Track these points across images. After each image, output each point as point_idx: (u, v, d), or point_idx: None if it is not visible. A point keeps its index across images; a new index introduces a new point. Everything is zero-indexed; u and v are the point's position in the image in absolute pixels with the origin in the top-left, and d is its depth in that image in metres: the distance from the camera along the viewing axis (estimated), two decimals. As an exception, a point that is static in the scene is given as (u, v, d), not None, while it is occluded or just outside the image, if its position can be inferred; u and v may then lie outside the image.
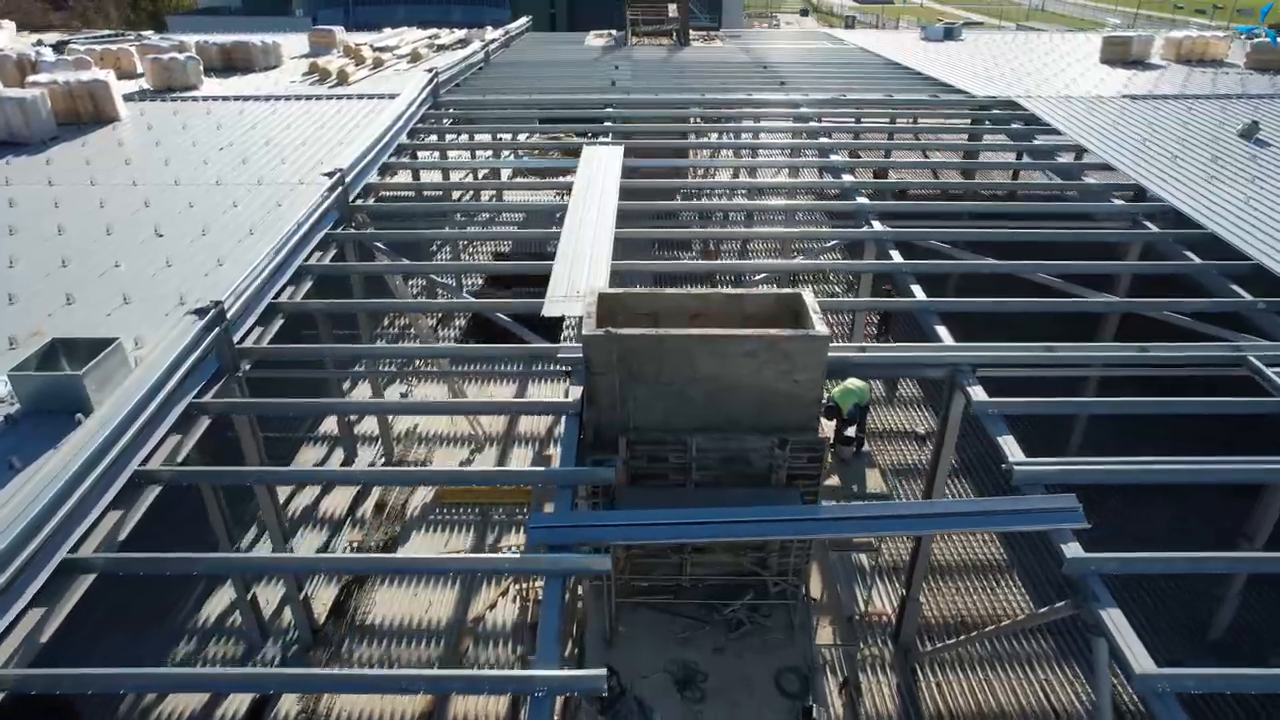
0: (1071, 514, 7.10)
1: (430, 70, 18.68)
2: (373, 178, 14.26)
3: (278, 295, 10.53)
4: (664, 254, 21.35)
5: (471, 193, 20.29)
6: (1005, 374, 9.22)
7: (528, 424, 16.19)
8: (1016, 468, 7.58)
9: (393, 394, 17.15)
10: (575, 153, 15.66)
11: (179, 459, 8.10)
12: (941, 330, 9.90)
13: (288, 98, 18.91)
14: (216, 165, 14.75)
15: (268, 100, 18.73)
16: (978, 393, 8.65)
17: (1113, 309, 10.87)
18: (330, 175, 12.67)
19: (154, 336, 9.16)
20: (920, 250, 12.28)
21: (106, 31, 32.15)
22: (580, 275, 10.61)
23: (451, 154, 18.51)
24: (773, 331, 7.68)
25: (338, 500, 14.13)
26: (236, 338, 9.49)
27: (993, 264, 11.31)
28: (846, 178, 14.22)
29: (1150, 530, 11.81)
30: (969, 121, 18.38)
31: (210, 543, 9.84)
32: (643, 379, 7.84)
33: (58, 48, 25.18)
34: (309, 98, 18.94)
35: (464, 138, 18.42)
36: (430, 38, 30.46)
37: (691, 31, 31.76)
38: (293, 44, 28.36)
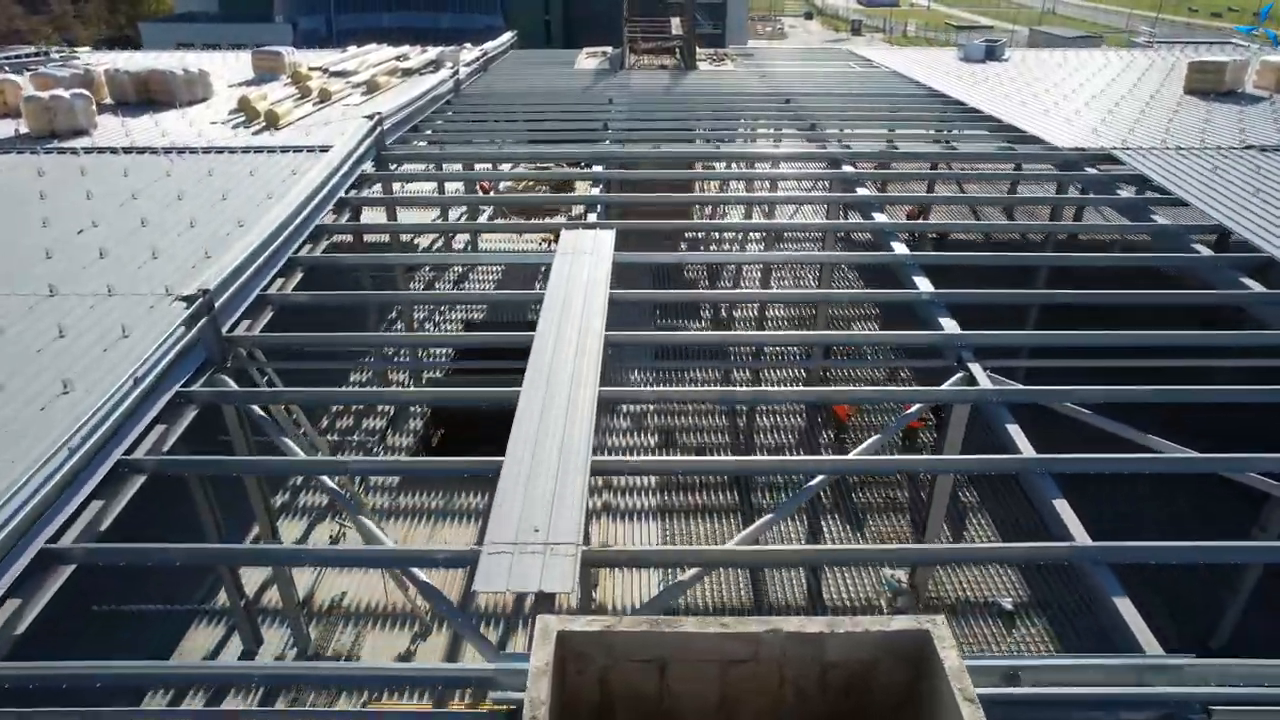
0: None
1: (373, 116, 14.77)
2: (269, 285, 10.38)
3: (66, 528, 6.68)
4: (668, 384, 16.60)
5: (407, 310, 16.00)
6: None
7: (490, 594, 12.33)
8: None
9: (321, 537, 13.43)
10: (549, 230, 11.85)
11: None
12: (1126, 611, 6.05)
13: (194, 150, 15.01)
14: (62, 260, 10.90)
15: (168, 154, 14.84)
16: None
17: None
18: (188, 300, 8.78)
19: None
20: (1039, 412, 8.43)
21: (29, 50, 28.20)
22: (541, 496, 6.75)
23: (386, 231, 14.54)
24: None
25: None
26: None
27: (1188, 457, 7.41)
28: (922, 285, 10.30)
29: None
30: (1056, 186, 14.49)
31: None
32: None
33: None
34: (221, 150, 15.03)
35: (407, 212, 14.50)
36: (399, 58, 26.58)
37: (698, 49, 27.79)
38: (236, 67, 24.52)
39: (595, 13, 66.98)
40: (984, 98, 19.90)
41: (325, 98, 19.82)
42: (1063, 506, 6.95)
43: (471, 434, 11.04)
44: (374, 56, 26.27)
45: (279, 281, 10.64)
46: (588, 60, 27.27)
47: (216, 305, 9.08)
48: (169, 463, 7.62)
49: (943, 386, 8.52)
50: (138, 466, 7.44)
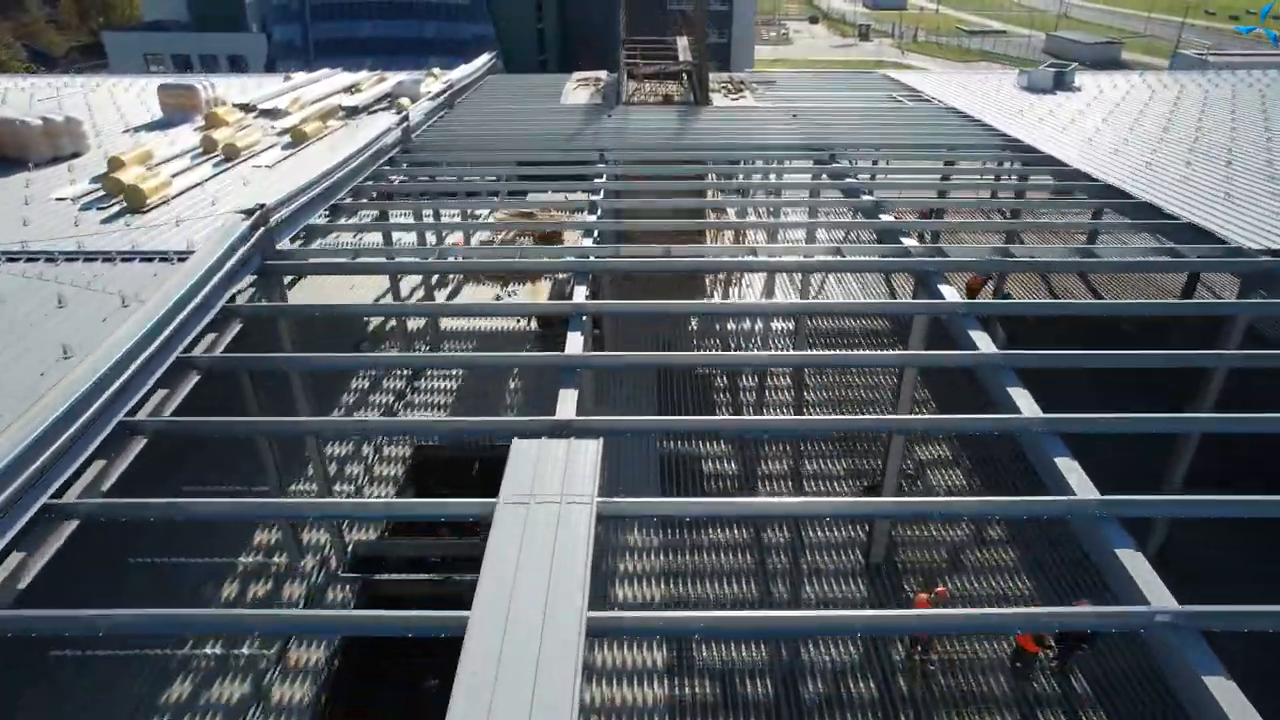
0: None
1: (253, 211, 10.17)
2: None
3: None
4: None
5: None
6: None
7: None
8: None
9: None
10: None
11: None
12: None
13: (-3, 258, 10.42)
14: None
15: (-44, 264, 10.26)
16: None
17: None
18: None
19: None
20: None
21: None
22: None
23: (233, 431, 9.54)
24: None
25: None
26: None
27: None
28: (1080, 492, 5.74)
29: None
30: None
31: None
32: None
33: None
34: (33, 256, 10.43)
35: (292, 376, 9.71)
36: (350, 89, 22.02)
37: (710, 78, 23.07)
38: (149, 100, 20.00)
39: (591, 20, 62.60)
40: (1081, 151, 15.37)
41: (232, 155, 15.21)
42: None
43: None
44: (317, 89, 21.65)
45: (14, 560, 6.04)
46: (578, 91, 22.64)
47: None
48: None
49: None
50: None
